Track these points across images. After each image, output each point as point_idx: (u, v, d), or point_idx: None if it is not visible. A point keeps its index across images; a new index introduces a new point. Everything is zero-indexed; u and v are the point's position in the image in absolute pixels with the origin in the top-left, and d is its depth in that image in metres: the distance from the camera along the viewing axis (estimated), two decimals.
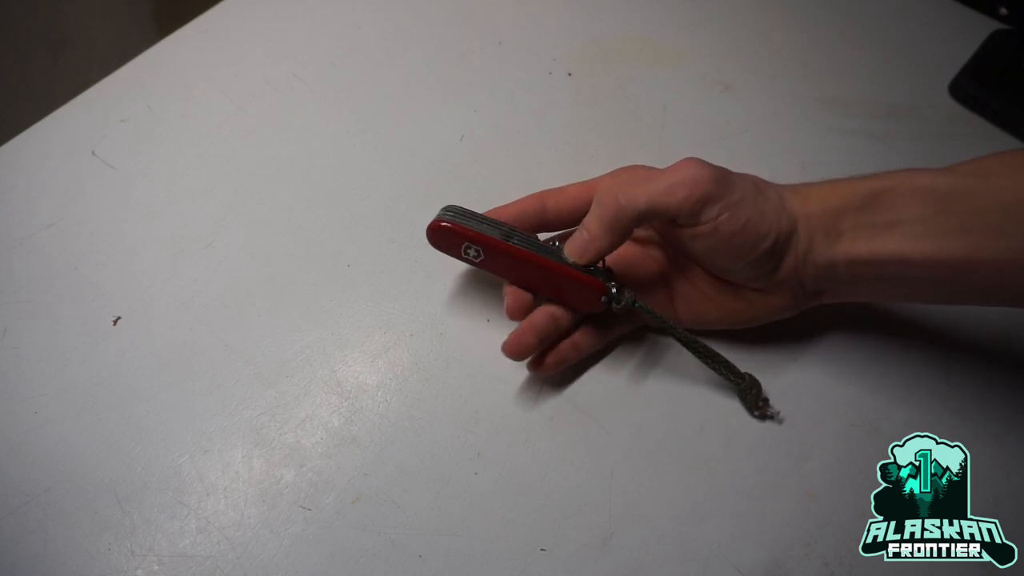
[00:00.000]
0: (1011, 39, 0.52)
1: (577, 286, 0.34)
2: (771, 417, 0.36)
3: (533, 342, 0.34)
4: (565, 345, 0.35)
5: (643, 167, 0.35)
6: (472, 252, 0.34)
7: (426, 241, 0.42)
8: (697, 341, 0.35)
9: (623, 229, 0.32)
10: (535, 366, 0.35)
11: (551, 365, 0.35)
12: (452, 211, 0.34)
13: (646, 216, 0.32)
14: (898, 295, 0.35)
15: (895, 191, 0.30)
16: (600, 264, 0.34)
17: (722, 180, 0.31)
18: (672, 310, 0.37)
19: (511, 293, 0.35)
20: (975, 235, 0.29)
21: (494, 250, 0.34)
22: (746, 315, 0.36)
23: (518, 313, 0.34)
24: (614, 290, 0.34)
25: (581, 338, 0.36)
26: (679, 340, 0.35)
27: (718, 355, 0.35)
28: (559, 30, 0.53)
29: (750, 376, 0.36)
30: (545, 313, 0.35)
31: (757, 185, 0.32)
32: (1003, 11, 0.54)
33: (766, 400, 0.36)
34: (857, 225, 0.31)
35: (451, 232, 0.34)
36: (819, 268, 0.32)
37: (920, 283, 0.31)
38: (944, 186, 0.30)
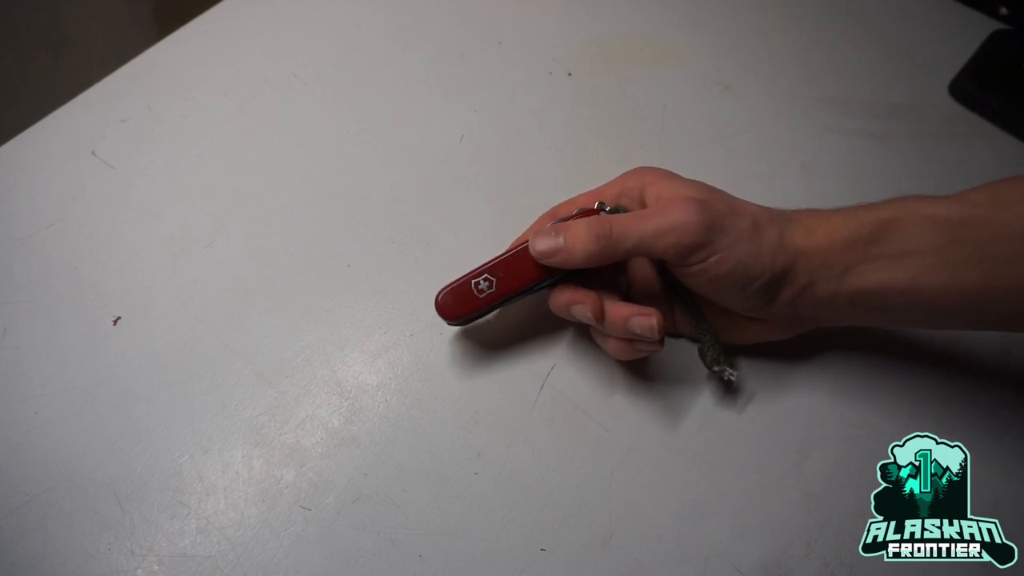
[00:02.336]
0: (1011, 39, 0.52)
1: None
2: (728, 380, 0.35)
3: (658, 312, 0.32)
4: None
5: (652, 171, 0.34)
6: (483, 284, 0.34)
7: (426, 241, 0.42)
8: (683, 286, 0.34)
9: (603, 260, 0.32)
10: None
11: (660, 320, 0.33)
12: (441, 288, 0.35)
13: (632, 253, 0.32)
14: (902, 322, 0.35)
15: (904, 221, 0.30)
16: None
17: (713, 226, 0.30)
18: (671, 318, 0.37)
19: (585, 299, 0.33)
20: (991, 264, 0.28)
21: (501, 266, 0.34)
22: (737, 335, 0.36)
23: (603, 316, 0.32)
24: (607, 208, 0.34)
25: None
26: (664, 278, 0.35)
27: (696, 306, 0.35)
28: (559, 30, 0.53)
29: (715, 333, 0.35)
30: (621, 304, 0.33)
31: (757, 224, 0.31)
32: (1003, 11, 0.54)
33: (726, 358, 0.35)
34: (866, 258, 0.30)
35: (455, 287, 0.34)
36: (819, 300, 0.32)
37: (930, 312, 0.31)
38: (957, 215, 0.29)
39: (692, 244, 0.30)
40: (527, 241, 0.34)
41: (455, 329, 0.38)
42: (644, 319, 0.31)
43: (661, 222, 0.31)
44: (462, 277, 0.34)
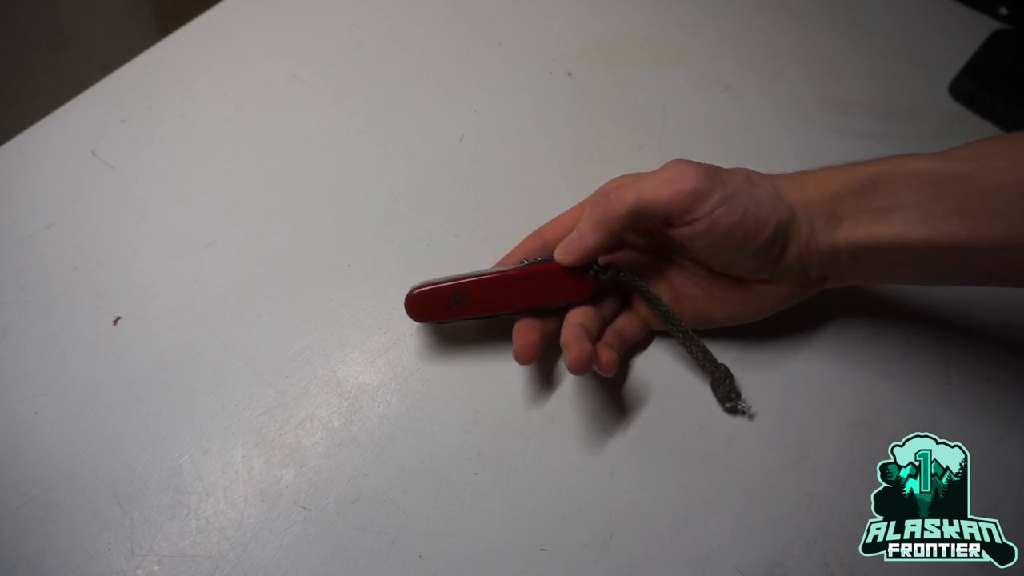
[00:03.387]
0: (1011, 39, 0.52)
1: (565, 273, 0.34)
2: (742, 412, 0.36)
3: (590, 348, 0.33)
4: (606, 339, 0.35)
5: (631, 175, 0.35)
6: (457, 299, 0.34)
7: (426, 241, 0.42)
8: (681, 322, 0.35)
9: (612, 227, 0.32)
10: (602, 367, 0.33)
11: (612, 360, 0.33)
12: (419, 284, 0.35)
13: (636, 213, 0.32)
14: (902, 277, 0.35)
15: (892, 176, 0.31)
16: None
17: (711, 175, 0.31)
18: (679, 313, 0.37)
19: (519, 336, 0.34)
20: (974, 218, 0.29)
21: (476, 286, 0.34)
22: (753, 308, 0.36)
23: (529, 356, 0.34)
24: (596, 267, 0.34)
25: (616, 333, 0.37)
26: (662, 314, 0.35)
27: (699, 341, 0.35)
28: (559, 30, 0.53)
29: (725, 367, 0.36)
30: (574, 325, 0.34)
31: (750, 178, 0.32)
32: (1003, 11, 0.54)
33: (738, 394, 0.36)
34: (856, 210, 0.31)
35: (429, 292, 0.34)
36: (823, 254, 0.32)
37: (923, 266, 0.32)
38: (941, 170, 0.30)
39: (694, 190, 0.31)
40: (509, 266, 0.35)
41: (455, 329, 0.38)
42: (566, 351, 0.33)
43: (658, 177, 0.32)
44: (439, 284, 0.34)
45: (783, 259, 0.32)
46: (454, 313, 0.35)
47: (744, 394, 0.37)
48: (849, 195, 0.31)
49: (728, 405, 0.36)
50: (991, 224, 0.29)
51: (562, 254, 0.34)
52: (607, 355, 0.33)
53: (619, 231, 0.33)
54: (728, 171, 0.32)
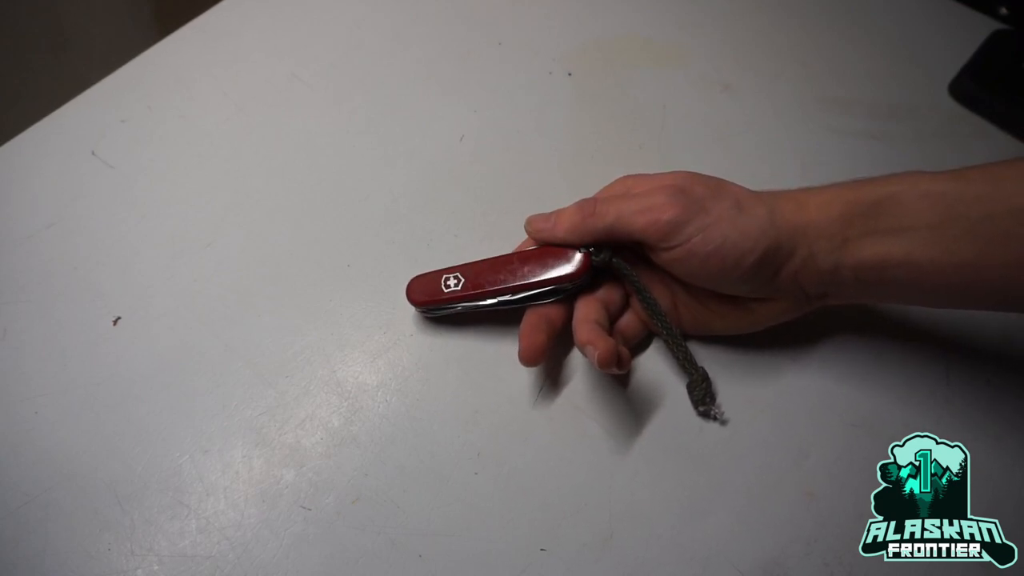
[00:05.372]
0: (1011, 39, 0.52)
1: (559, 252, 0.35)
2: (714, 418, 0.36)
3: (612, 342, 0.32)
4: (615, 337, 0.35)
5: (634, 176, 0.35)
6: (452, 281, 0.36)
7: (426, 242, 0.42)
8: (664, 318, 0.35)
9: (585, 235, 0.34)
10: (620, 365, 0.33)
11: (627, 357, 0.34)
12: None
13: (612, 231, 0.33)
14: (905, 298, 0.35)
15: (902, 196, 0.30)
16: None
17: (693, 206, 0.31)
18: (676, 319, 0.37)
19: (525, 337, 0.34)
20: (985, 241, 0.29)
21: (470, 268, 0.36)
22: (749, 322, 0.36)
23: (535, 358, 0.33)
24: (591, 248, 0.35)
25: (625, 326, 0.37)
26: (647, 306, 0.35)
27: (682, 340, 0.35)
28: (559, 30, 0.53)
29: (703, 370, 0.36)
30: (590, 322, 0.34)
31: (740, 203, 0.32)
32: (1003, 11, 0.54)
33: (712, 398, 0.36)
34: (864, 232, 0.31)
35: (426, 276, 0.37)
36: (823, 274, 0.32)
37: (928, 287, 0.31)
38: (953, 191, 0.29)
39: (670, 221, 0.31)
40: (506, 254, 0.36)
41: (455, 330, 0.38)
42: (591, 349, 0.32)
43: (642, 202, 0.32)
44: (438, 270, 0.37)
45: (776, 280, 0.32)
46: (451, 296, 0.36)
47: (743, 394, 0.37)
48: (856, 216, 0.31)
49: (701, 409, 0.36)
50: (1002, 247, 0.28)
51: (532, 231, 0.35)
52: (623, 352, 0.33)
53: (590, 240, 0.34)
54: (718, 197, 0.32)
